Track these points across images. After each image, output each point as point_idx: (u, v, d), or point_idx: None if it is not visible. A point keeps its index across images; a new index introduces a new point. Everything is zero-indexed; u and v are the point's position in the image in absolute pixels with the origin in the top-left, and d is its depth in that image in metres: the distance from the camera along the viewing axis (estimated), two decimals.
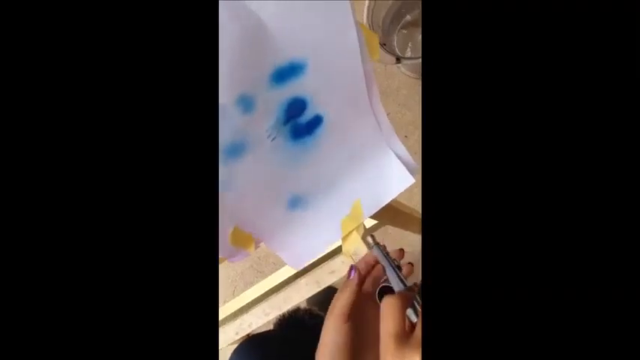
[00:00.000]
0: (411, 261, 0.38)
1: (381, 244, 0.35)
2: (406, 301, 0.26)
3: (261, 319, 0.43)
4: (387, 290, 0.32)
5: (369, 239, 0.34)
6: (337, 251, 0.41)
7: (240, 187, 0.35)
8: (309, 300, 0.75)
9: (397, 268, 0.33)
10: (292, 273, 0.43)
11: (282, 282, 0.43)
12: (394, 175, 0.36)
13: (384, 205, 0.37)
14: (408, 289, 0.30)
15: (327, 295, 0.80)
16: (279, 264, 0.90)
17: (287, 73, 0.29)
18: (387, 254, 0.34)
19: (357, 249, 0.40)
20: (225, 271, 0.93)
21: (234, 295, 0.91)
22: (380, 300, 0.31)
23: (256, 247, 0.40)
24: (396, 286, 0.31)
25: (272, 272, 0.58)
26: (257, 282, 0.59)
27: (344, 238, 0.40)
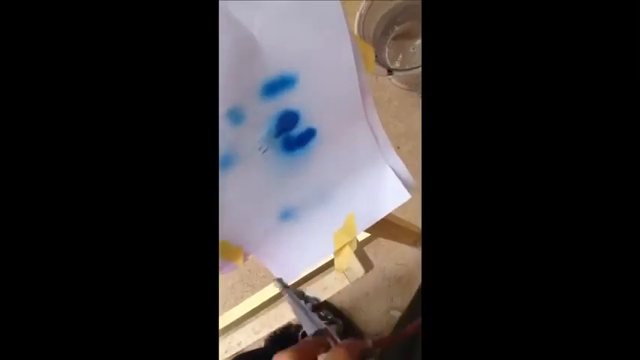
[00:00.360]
0: (404, 274, 0.37)
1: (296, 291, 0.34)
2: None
3: (250, 338, 0.41)
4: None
5: (277, 283, 0.32)
6: (330, 265, 0.40)
7: (229, 199, 0.34)
8: None
9: (316, 307, 0.31)
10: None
11: (273, 297, 0.42)
12: (390, 189, 0.35)
13: (378, 220, 0.36)
14: (323, 331, 0.28)
15: (331, 306, 0.79)
16: (269, 277, 0.88)
17: (277, 86, 0.29)
18: (300, 294, 0.32)
19: (349, 264, 0.39)
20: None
21: (224, 308, 0.89)
22: None
23: (245, 259, 0.39)
24: (309, 329, 0.29)
25: (263, 286, 0.57)
26: (247, 296, 0.58)
27: (336, 253, 0.39)
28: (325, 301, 0.80)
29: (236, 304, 0.58)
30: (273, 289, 0.43)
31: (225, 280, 0.90)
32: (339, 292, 0.81)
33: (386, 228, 0.43)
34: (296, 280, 0.40)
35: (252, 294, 0.55)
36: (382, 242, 0.77)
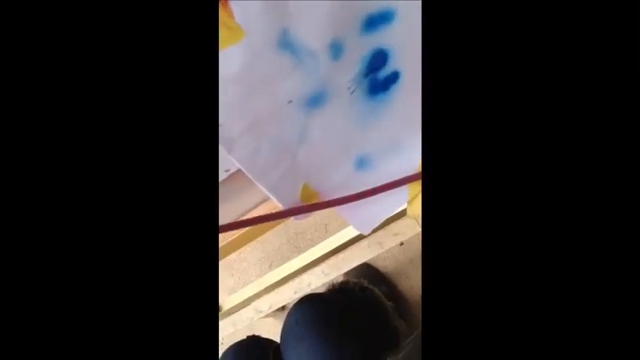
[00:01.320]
0: None
1: None
2: None
3: (320, 279, 0.43)
4: None
5: None
6: (402, 214, 0.41)
7: (313, 141, 0.34)
8: (355, 273, 0.75)
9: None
10: (354, 235, 0.43)
11: (343, 244, 0.44)
12: None
13: None
14: None
15: (374, 270, 0.80)
16: (315, 240, 0.91)
17: (377, 21, 0.29)
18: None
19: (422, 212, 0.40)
20: (262, 246, 0.94)
21: (271, 268, 0.93)
22: None
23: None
24: None
25: (308, 248, 0.59)
26: (294, 256, 0.60)
27: (409, 201, 0.40)
28: (370, 266, 0.82)
29: (282, 264, 0.60)
30: (340, 237, 0.44)
31: (272, 241, 0.93)
32: (383, 258, 0.82)
33: None
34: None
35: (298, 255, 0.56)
36: None
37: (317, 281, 0.43)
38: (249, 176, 0.31)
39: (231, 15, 0.22)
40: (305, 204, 0.39)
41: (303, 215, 0.41)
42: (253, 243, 0.97)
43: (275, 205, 0.43)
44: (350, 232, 0.47)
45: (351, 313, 0.46)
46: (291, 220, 0.52)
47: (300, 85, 0.29)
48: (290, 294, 0.45)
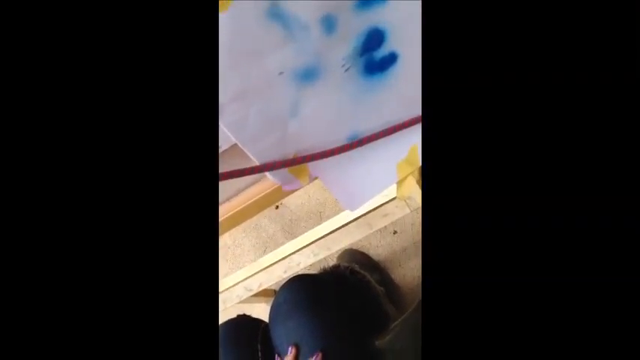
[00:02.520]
0: None
1: None
2: None
3: (310, 259, 0.43)
4: None
5: None
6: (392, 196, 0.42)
7: (305, 115, 0.35)
8: (345, 257, 0.76)
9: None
10: (347, 221, 0.43)
11: (335, 228, 0.44)
12: None
13: None
14: None
15: (367, 257, 0.81)
16: (309, 227, 0.91)
17: None
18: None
19: (411, 193, 0.41)
20: (257, 233, 0.95)
21: (265, 254, 0.93)
22: None
23: (310, 180, 0.40)
24: None
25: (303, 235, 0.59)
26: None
27: (399, 182, 0.40)
28: (363, 254, 0.82)
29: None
30: (333, 222, 0.44)
31: (267, 228, 0.93)
32: (377, 247, 0.83)
33: None
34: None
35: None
36: None
37: (306, 261, 0.44)
38: (237, 142, 0.31)
39: None
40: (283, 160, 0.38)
41: (290, 184, 0.40)
42: (248, 230, 0.97)
43: (267, 186, 0.43)
44: (343, 218, 0.47)
45: (341, 293, 0.47)
46: (285, 208, 0.52)
47: (292, 58, 0.29)
48: (279, 273, 0.46)
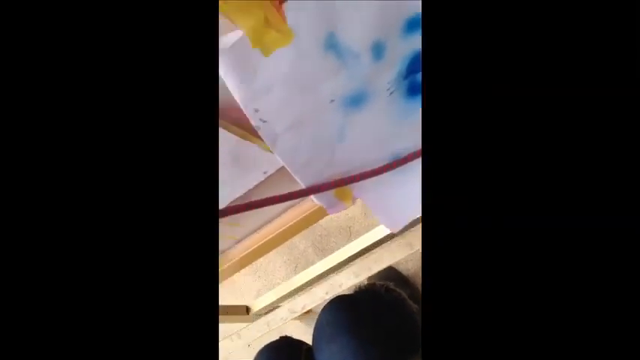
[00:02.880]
0: None
1: None
2: None
3: (351, 280, 0.43)
4: None
5: None
6: None
7: (352, 139, 0.35)
8: (379, 275, 0.75)
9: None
10: (380, 237, 0.43)
11: (372, 244, 0.44)
12: None
13: None
14: None
15: (397, 272, 0.80)
16: (339, 243, 0.91)
17: (418, 24, 0.30)
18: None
19: None
20: (288, 249, 0.95)
21: (295, 272, 0.93)
22: None
23: (353, 202, 0.41)
24: None
25: (333, 250, 0.59)
26: (318, 260, 0.60)
27: None
28: (395, 270, 0.82)
29: (307, 267, 0.60)
30: (366, 239, 0.44)
31: (298, 244, 0.93)
32: (406, 261, 0.82)
33: None
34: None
35: (323, 258, 0.56)
36: None
37: (348, 282, 0.44)
38: (290, 170, 0.32)
39: (284, 18, 0.23)
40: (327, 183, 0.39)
41: (334, 207, 0.41)
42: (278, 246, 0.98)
43: (303, 210, 0.44)
44: (375, 235, 0.47)
45: (380, 314, 0.47)
46: (315, 224, 0.52)
47: (343, 86, 0.30)
48: (322, 295, 0.46)
